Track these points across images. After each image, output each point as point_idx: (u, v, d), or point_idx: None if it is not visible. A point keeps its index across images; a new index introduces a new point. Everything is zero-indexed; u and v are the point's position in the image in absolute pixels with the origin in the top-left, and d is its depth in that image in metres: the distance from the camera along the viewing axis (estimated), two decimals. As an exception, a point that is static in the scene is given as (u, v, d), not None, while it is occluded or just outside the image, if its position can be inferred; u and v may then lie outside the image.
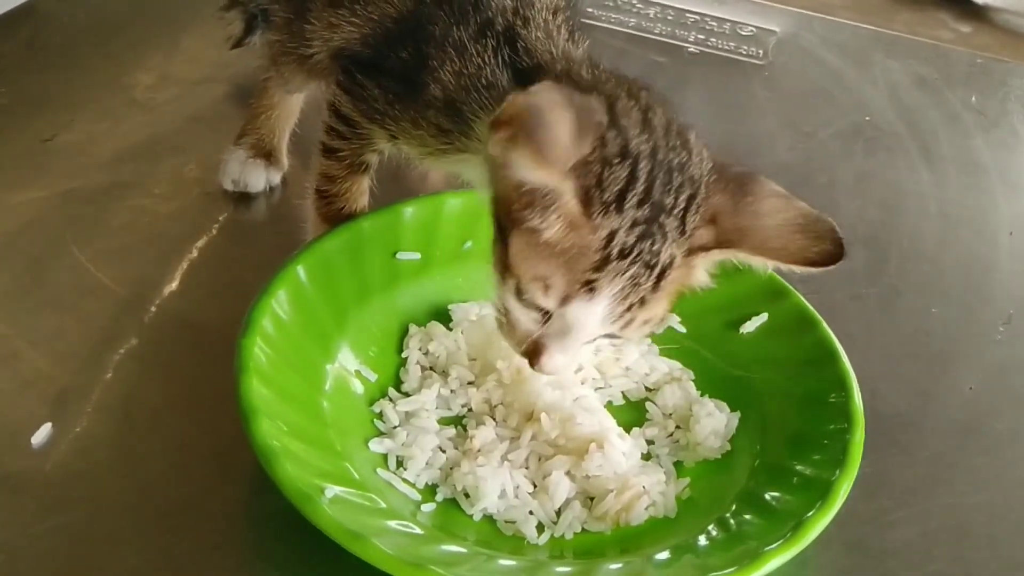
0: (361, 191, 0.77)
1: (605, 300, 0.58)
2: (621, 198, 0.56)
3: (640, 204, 0.57)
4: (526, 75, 0.64)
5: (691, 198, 0.58)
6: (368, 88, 0.70)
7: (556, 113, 0.53)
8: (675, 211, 0.58)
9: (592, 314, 0.58)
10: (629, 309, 0.59)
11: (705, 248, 0.60)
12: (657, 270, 0.58)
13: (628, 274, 0.57)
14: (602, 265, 0.57)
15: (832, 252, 0.59)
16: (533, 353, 0.61)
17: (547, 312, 0.59)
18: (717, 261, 0.61)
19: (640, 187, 0.57)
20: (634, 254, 0.57)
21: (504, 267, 0.60)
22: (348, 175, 0.76)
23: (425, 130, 0.68)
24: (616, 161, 0.56)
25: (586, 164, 0.56)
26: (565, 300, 0.58)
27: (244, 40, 0.95)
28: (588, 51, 0.68)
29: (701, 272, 0.62)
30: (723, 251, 0.60)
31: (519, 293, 0.60)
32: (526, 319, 0.61)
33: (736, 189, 0.60)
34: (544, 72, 0.64)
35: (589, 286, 0.57)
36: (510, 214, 0.58)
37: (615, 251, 0.57)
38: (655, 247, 0.58)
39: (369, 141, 0.73)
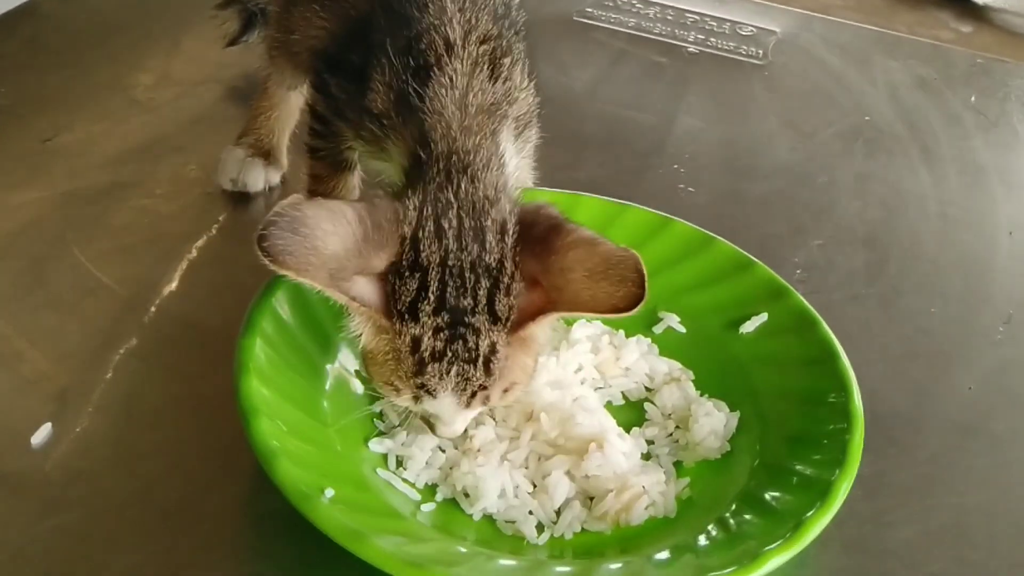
0: (348, 189, 0.77)
1: (447, 395, 0.60)
2: (414, 308, 0.58)
3: (436, 312, 0.59)
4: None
5: (493, 288, 0.59)
6: (332, 86, 0.71)
7: (325, 225, 0.56)
8: (478, 308, 0.59)
9: (446, 405, 0.61)
10: (474, 396, 0.61)
11: (531, 316, 0.60)
12: (481, 361, 0.59)
13: (452, 372, 0.59)
14: (421, 369, 0.59)
15: (635, 294, 0.58)
16: (431, 425, 0.65)
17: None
18: (553, 321, 0.62)
19: (432, 296, 0.58)
20: (449, 355, 0.59)
21: (365, 369, 0.63)
22: (332, 174, 0.76)
23: (365, 132, 0.68)
24: (406, 275, 0.59)
25: (384, 276, 0.59)
26: (415, 399, 0.61)
27: (240, 39, 0.95)
28: (507, 90, 0.66)
29: (542, 334, 0.63)
30: (546, 316, 0.60)
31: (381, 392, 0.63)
32: (410, 403, 0.62)
33: (543, 249, 0.60)
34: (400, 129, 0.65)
35: (423, 388, 0.60)
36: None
37: (427, 355, 0.59)
38: (469, 344, 0.59)
39: (342, 138, 0.74)
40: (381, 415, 0.70)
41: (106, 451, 0.68)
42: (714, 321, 0.76)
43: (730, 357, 0.75)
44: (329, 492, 0.59)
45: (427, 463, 0.67)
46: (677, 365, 0.76)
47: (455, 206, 0.60)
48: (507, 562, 0.61)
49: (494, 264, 0.60)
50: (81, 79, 1.01)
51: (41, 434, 0.67)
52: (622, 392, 0.74)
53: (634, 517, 0.65)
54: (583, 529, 0.65)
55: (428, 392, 0.60)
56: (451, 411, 0.62)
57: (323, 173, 0.76)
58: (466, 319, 0.59)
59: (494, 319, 0.59)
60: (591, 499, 0.67)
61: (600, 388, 0.74)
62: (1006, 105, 1.17)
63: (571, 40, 1.19)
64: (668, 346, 0.77)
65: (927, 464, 0.73)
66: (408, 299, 0.59)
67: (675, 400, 0.73)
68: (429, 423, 0.65)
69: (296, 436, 0.63)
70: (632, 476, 0.66)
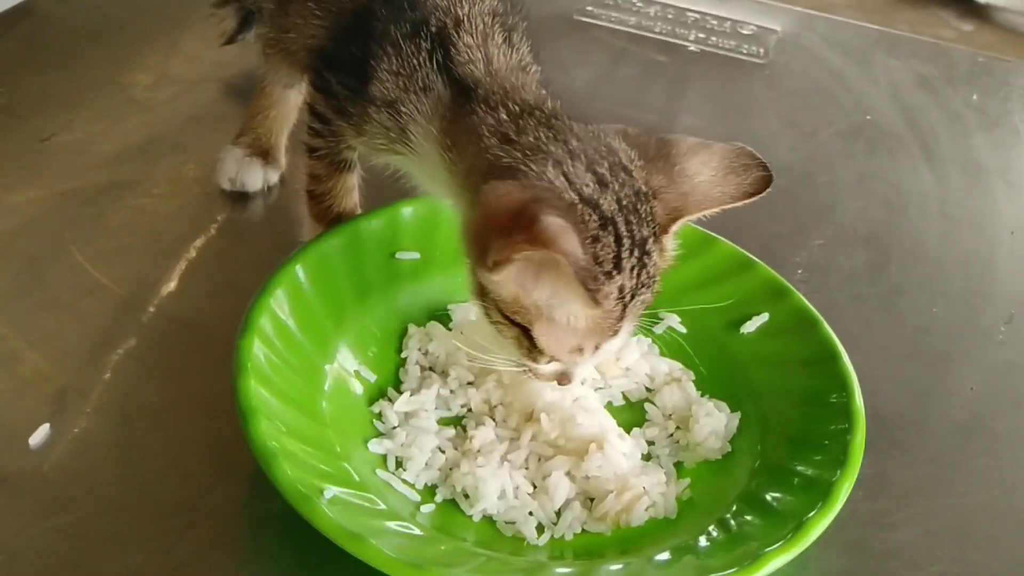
0: (347, 189, 0.77)
1: (629, 326, 0.62)
2: (617, 260, 0.59)
3: (631, 253, 0.60)
4: (460, 87, 0.65)
5: (652, 210, 0.61)
6: (332, 84, 0.71)
7: (573, 251, 0.55)
8: (650, 233, 0.61)
9: (618, 342, 0.63)
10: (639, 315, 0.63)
11: (664, 229, 0.62)
12: (653, 281, 0.62)
13: (639, 301, 0.62)
14: (623, 312, 0.61)
15: (763, 177, 0.63)
16: (563, 379, 0.66)
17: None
18: (678, 230, 0.64)
19: (626, 241, 0.60)
20: (640, 287, 0.61)
21: (534, 350, 0.63)
22: (331, 173, 0.76)
23: (371, 126, 0.69)
24: (601, 234, 0.59)
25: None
26: (596, 349, 0.62)
27: (237, 37, 0.95)
28: (524, 57, 0.68)
29: (670, 246, 0.64)
30: (679, 220, 0.63)
31: (554, 362, 0.63)
32: (557, 367, 0.64)
33: (664, 163, 0.62)
34: (473, 96, 0.65)
35: (615, 333, 0.62)
36: (520, 315, 0.61)
37: (628, 297, 0.60)
38: (648, 269, 0.61)
39: (342, 137, 0.73)
40: (380, 415, 0.70)
41: (104, 452, 0.67)
42: (715, 321, 0.76)
43: (731, 357, 0.75)
44: (328, 493, 0.59)
45: (426, 464, 0.67)
46: (678, 365, 0.75)
47: (589, 150, 0.61)
48: (507, 563, 0.61)
49: (644, 188, 0.61)
50: (79, 78, 1.01)
51: (39, 435, 0.67)
52: (622, 392, 0.74)
53: (634, 518, 0.65)
54: (583, 530, 0.65)
55: (616, 333, 0.61)
56: (614, 349, 0.63)
57: (322, 173, 0.76)
58: (647, 247, 0.61)
59: (656, 238, 0.61)
60: (591, 500, 0.67)
61: (600, 388, 0.74)
62: (1008, 104, 1.16)
63: (571, 39, 1.18)
64: (669, 346, 0.76)
65: (929, 465, 0.73)
66: (611, 254, 0.59)
67: (676, 400, 0.73)
68: (566, 374, 0.65)
69: (295, 437, 0.62)
70: (632, 477, 0.66)
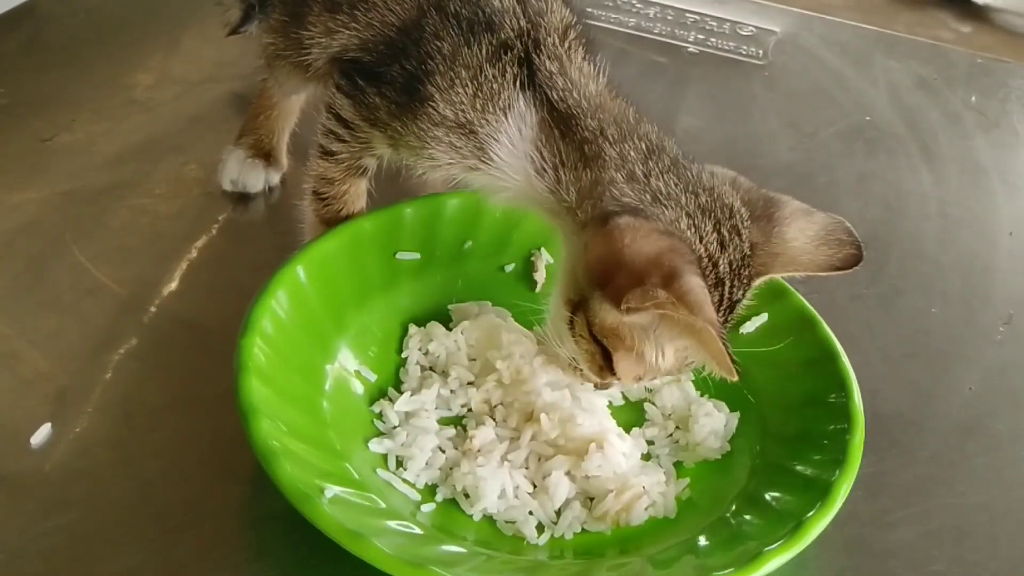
0: (359, 194, 0.77)
1: (684, 376, 0.65)
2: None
3: (725, 313, 0.63)
4: (556, 112, 0.65)
5: (748, 273, 0.63)
6: (369, 94, 0.70)
7: (714, 318, 0.57)
8: (740, 292, 0.63)
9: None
10: None
11: (748, 284, 0.64)
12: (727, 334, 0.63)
13: None
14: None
15: (854, 255, 0.65)
16: (602, 387, 0.68)
17: None
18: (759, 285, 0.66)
19: (726, 302, 0.62)
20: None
21: (604, 369, 0.63)
22: (345, 178, 0.75)
23: (434, 148, 0.68)
24: (712, 293, 0.60)
25: None
26: (651, 380, 0.65)
27: (240, 28, 0.94)
28: (605, 70, 0.69)
29: (746, 300, 0.66)
30: (759, 279, 0.64)
31: (614, 380, 0.64)
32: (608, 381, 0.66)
33: (767, 223, 0.65)
34: (575, 125, 0.65)
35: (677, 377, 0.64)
36: (609, 340, 0.62)
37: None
38: (727, 323, 0.63)
39: (368, 145, 0.73)
40: (381, 415, 0.70)
41: (106, 451, 0.68)
42: (714, 321, 0.76)
43: (730, 357, 0.75)
44: (329, 492, 0.59)
45: (427, 463, 0.67)
46: (677, 365, 0.76)
47: (716, 208, 0.63)
48: (507, 562, 0.61)
49: (749, 252, 0.63)
50: (80, 79, 1.01)
51: (40, 434, 0.67)
52: (622, 392, 0.74)
53: (634, 517, 0.65)
54: (583, 529, 0.65)
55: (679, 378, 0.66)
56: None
57: (337, 177, 0.75)
58: (735, 307, 0.63)
59: (743, 297, 0.63)
60: (591, 499, 0.67)
61: (600, 388, 0.74)
62: (1006, 105, 1.17)
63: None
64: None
65: (928, 464, 0.73)
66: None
67: (675, 400, 0.73)
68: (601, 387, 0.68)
69: (296, 436, 0.63)
70: (632, 476, 0.66)
